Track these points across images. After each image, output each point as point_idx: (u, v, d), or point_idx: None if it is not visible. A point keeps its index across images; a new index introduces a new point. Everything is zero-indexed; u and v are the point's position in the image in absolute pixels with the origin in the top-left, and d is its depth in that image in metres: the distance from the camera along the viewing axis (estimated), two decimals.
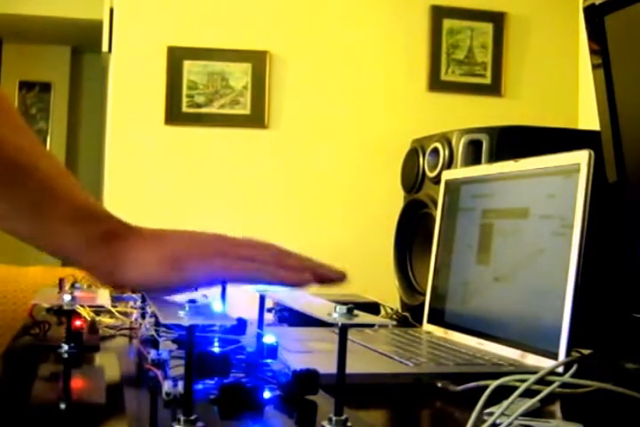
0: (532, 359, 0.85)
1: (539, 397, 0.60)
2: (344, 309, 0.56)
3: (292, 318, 1.17)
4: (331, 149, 2.86)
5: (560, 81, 2.97)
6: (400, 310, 1.35)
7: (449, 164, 1.30)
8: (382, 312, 1.31)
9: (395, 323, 1.09)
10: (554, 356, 0.82)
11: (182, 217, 2.68)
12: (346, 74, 2.89)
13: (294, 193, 2.85)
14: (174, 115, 2.77)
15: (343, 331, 0.56)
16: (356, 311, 0.57)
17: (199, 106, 2.79)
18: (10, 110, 0.67)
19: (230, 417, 0.63)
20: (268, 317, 1.07)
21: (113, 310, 1.07)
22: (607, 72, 0.89)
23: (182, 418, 0.53)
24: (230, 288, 0.88)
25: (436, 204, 1.23)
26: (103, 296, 0.92)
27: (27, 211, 0.62)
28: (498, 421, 0.56)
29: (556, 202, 0.89)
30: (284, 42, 2.86)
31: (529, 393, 0.60)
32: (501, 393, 0.60)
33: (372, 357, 0.87)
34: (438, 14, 2.93)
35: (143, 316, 0.93)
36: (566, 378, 0.69)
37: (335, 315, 0.56)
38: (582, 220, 0.83)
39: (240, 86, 2.81)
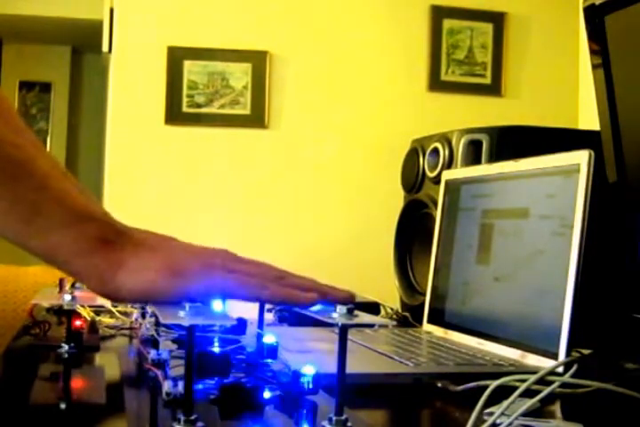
0: (532, 359, 0.85)
1: (539, 397, 0.60)
2: (344, 309, 0.56)
3: (291, 318, 1.17)
4: (331, 149, 2.86)
5: (560, 81, 2.97)
6: (400, 310, 1.35)
7: (449, 164, 1.30)
8: (382, 312, 1.31)
9: (395, 323, 1.08)
10: (554, 356, 0.82)
11: (182, 217, 2.68)
12: (346, 74, 2.89)
13: (294, 193, 2.85)
14: (174, 115, 2.77)
15: (343, 331, 0.56)
16: (356, 311, 0.57)
17: (199, 106, 2.79)
18: (9, 111, 0.67)
19: (230, 417, 0.63)
20: (268, 317, 1.07)
21: (113, 309, 1.07)
22: (607, 72, 0.89)
23: (182, 418, 0.53)
24: None
25: (435, 204, 1.23)
26: None
27: (23, 210, 0.59)
28: (498, 421, 0.56)
29: (556, 202, 0.89)
30: (284, 42, 2.86)
31: (529, 393, 0.60)
32: (501, 393, 0.60)
33: (372, 357, 0.87)
34: (438, 14, 2.93)
35: (143, 316, 0.93)
36: (566, 378, 0.69)
37: (335, 315, 0.56)
38: (582, 220, 0.83)
39: (240, 86, 2.81)
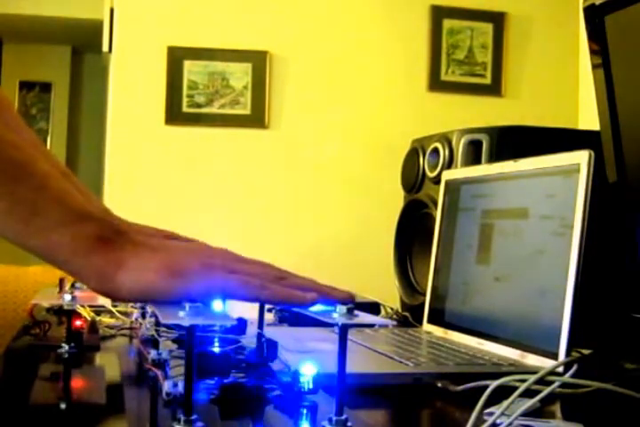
0: (532, 359, 0.85)
1: (539, 397, 0.60)
2: (344, 309, 0.56)
3: (291, 318, 1.17)
4: (331, 149, 2.86)
5: (560, 81, 2.97)
6: (400, 310, 1.35)
7: (449, 164, 1.30)
8: (382, 312, 1.31)
9: (395, 323, 1.09)
10: (554, 356, 0.82)
11: (182, 217, 2.68)
12: (346, 74, 2.89)
13: (294, 193, 2.85)
14: (174, 115, 2.77)
15: (343, 331, 0.56)
16: (356, 311, 0.57)
17: (199, 106, 2.79)
18: (9, 111, 0.67)
19: (230, 417, 0.63)
20: (268, 317, 1.07)
21: (113, 309, 1.07)
22: (607, 72, 0.89)
23: (182, 418, 0.53)
24: None
25: (435, 204, 1.23)
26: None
27: (23, 210, 0.59)
28: (498, 421, 0.56)
29: (556, 202, 0.89)
30: (284, 42, 2.86)
31: (529, 393, 0.60)
32: (501, 393, 0.60)
33: (372, 357, 0.87)
34: (438, 14, 2.93)
35: (143, 316, 0.93)
36: (566, 378, 0.69)
37: (335, 315, 0.56)
38: (582, 220, 0.83)
39: (240, 86, 2.81)
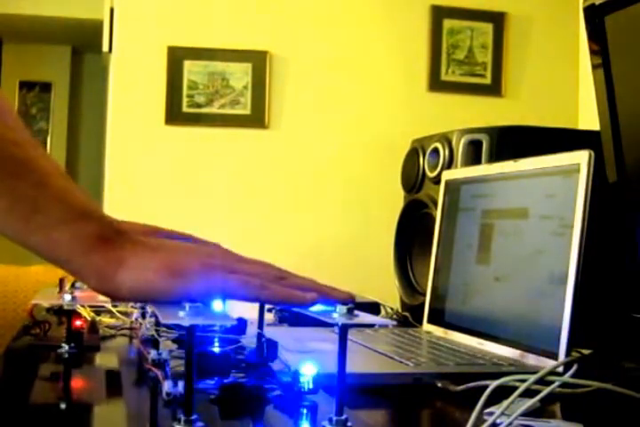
0: (532, 359, 0.85)
1: (539, 397, 0.60)
2: (344, 309, 0.56)
3: (292, 318, 1.17)
4: (331, 149, 2.86)
5: (560, 81, 2.97)
6: (400, 310, 1.35)
7: (449, 164, 1.30)
8: (382, 312, 1.31)
9: (395, 323, 1.09)
10: (554, 356, 0.82)
11: (182, 217, 2.68)
12: (346, 74, 2.89)
13: (294, 193, 2.85)
14: (174, 115, 2.76)
15: (343, 331, 0.56)
16: (356, 311, 0.57)
17: (199, 106, 2.79)
18: (9, 110, 0.67)
19: (230, 417, 0.63)
20: (268, 317, 1.07)
21: (113, 309, 1.07)
22: (607, 72, 0.89)
23: (182, 418, 0.53)
24: None
25: (436, 204, 1.23)
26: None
27: (23, 207, 0.59)
28: (498, 421, 0.56)
29: (556, 202, 0.89)
30: (284, 42, 2.85)
31: (529, 393, 0.60)
32: (501, 393, 0.60)
33: (372, 357, 0.87)
34: (438, 14, 2.93)
35: (143, 316, 0.93)
36: (566, 378, 0.69)
37: (335, 315, 0.56)
38: (582, 220, 0.83)
39: (240, 86, 2.81)
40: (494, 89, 2.97)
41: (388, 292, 1.43)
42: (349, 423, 0.56)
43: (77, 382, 0.77)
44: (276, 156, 2.84)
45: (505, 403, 0.58)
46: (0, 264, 2.01)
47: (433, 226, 1.17)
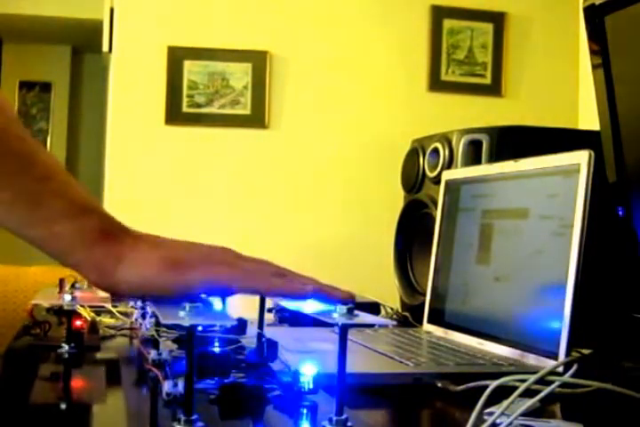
0: (532, 359, 0.85)
1: (539, 397, 0.60)
2: (344, 309, 0.56)
3: (292, 318, 1.17)
4: (331, 149, 2.86)
5: (560, 81, 2.97)
6: (400, 310, 1.35)
7: (449, 164, 1.30)
8: (382, 312, 1.31)
9: (395, 323, 1.09)
10: (554, 356, 0.82)
11: (182, 217, 2.68)
12: (346, 74, 2.89)
13: (294, 193, 2.85)
14: (174, 115, 2.76)
15: (343, 331, 0.56)
16: (356, 311, 0.57)
17: (199, 106, 2.79)
18: (10, 108, 0.68)
19: (230, 417, 0.63)
20: (268, 317, 1.07)
21: (113, 310, 1.07)
22: (607, 72, 0.89)
23: (182, 418, 0.53)
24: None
25: (436, 204, 1.23)
26: (103, 296, 0.92)
27: (27, 201, 0.60)
28: (498, 421, 0.56)
29: (556, 202, 0.89)
30: (284, 42, 2.85)
31: (529, 393, 0.60)
32: (501, 393, 0.60)
33: (372, 357, 0.87)
34: (438, 14, 2.93)
35: (143, 316, 0.93)
36: (566, 378, 0.69)
37: (335, 315, 0.56)
38: (582, 220, 0.83)
39: (240, 86, 2.81)
40: (494, 89, 2.97)
41: (388, 292, 1.43)
42: (349, 423, 0.56)
43: (77, 382, 0.77)
44: (276, 156, 2.84)
45: (505, 403, 0.58)
46: (0, 264, 2.01)
47: (433, 226, 1.17)
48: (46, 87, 4.79)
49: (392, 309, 1.33)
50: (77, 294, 0.84)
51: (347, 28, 2.90)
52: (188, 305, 0.55)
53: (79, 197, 0.62)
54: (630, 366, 0.86)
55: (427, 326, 1.12)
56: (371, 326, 1.07)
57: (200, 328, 0.76)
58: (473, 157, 1.27)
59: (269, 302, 1.12)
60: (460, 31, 2.96)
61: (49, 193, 0.61)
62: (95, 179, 3.81)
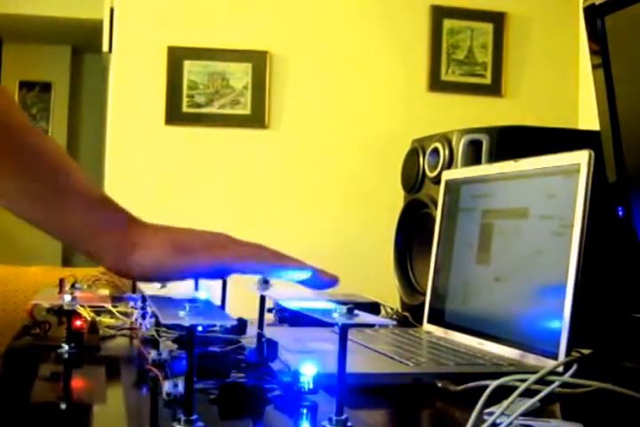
0: (532, 359, 0.85)
1: (538, 397, 0.60)
2: (344, 309, 0.56)
3: (292, 318, 1.17)
4: (331, 149, 2.86)
5: (560, 81, 2.97)
6: (400, 310, 1.35)
7: (449, 164, 1.30)
8: (382, 312, 1.31)
9: (395, 323, 1.09)
10: (554, 356, 0.82)
11: (182, 217, 2.67)
12: (346, 74, 2.89)
13: (294, 193, 2.85)
14: (174, 115, 2.76)
15: (343, 331, 0.56)
16: (356, 311, 0.57)
17: (199, 106, 2.79)
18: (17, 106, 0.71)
19: (230, 417, 0.63)
20: (268, 317, 1.07)
21: (113, 310, 1.07)
22: (607, 72, 0.89)
23: (182, 418, 0.53)
24: (231, 289, 0.88)
25: (436, 204, 1.23)
26: (104, 296, 0.92)
27: (51, 194, 0.66)
28: (498, 421, 0.56)
29: (556, 202, 0.89)
30: (284, 42, 2.85)
31: (529, 393, 0.60)
32: (501, 393, 0.60)
33: (372, 357, 0.87)
34: (438, 14, 2.93)
35: (143, 316, 0.93)
36: (566, 378, 0.69)
37: (335, 315, 0.56)
38: (582, 220, 0.83)
39: (240, 86, 2.81)
40: (494, 89, 2.97)
41: (388, 292, 1.43)
42: (349, 423, 0.56)
43: (77, 382, 0.77)
44: (275, 156, 2.84)
45: (505, 403, 0.58)
46: (0, 264, 2.01)
47: (433, 226, 1.17)
48: (46, 87, 4.79)
49: (392, 309, 1.33)
50: (77, 294, 0.84)
51: (347, 27, 2.90)
52: (187, 305, 0.55)
53: (95, 191, 0.70)
54: (630, 366, 0.86)
55: (427, 326, 1.12)
56: (371, 325, 1.07)
57: (200, 328, 0.77)
58: (473, 157, 1.27)
59: (269, 302, 1.12)
60: (460, 31, 2.96)
61: (70, 187, 0.67)
62: (95, 179, 3.81)
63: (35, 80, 4.76)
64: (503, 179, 1.02)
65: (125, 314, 1.07)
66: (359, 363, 0.80)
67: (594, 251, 0.85)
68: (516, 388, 0.60)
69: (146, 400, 0.69)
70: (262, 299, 0.80)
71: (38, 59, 4.71)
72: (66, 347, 0.84)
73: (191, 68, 2.78)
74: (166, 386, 0.62)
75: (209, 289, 0.81)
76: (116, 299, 1.08)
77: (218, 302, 0.89)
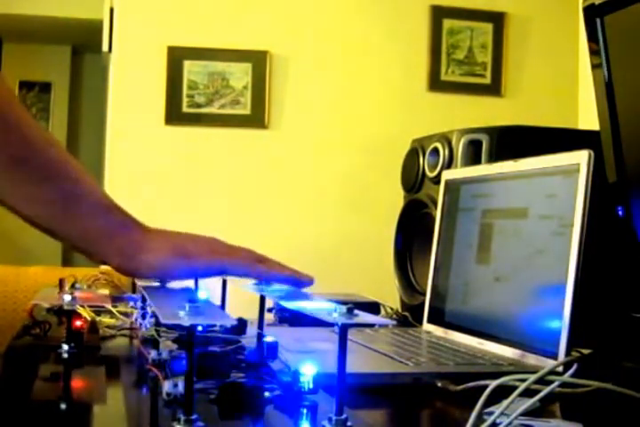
0: (531, 359, 0.85)
1: (538, 396, 0.60)
2: (344, 308, 0.56)
3: (292, 318, 1.17)
4: (331, 149, 2.86)
5: (560, 81, 2.97)
6: (400, 310, 1.35)
7: (449, 164, 1.30)
8: (382, 312, 1.31)
9: (395, 323, 1.09)
10: (554, 356, 0.82)
11: (182, 217, 2.68)
12: (346, 74, 2.89)
13: (294, 193, 2.85)
14: (174, 115, 2.76)
15: (343, 331, 0.56)
16: (356, 311, 0.57)
17: (199, 106, 2.79)
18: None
19: (230, 417, 0.63)
20: (268, 317, 1.07)
21: (113, 310, 1.07)
22: (607, 72, 0.89)
23: (182, 418, 0.53)
24: (230, 289, 0.88)
25: (435, 204, 1.23)
26: (104, 296, 0.92)
27: (65, 201, 0.71)
28: (498, 420, 0.56)
29: (556, 202, 0.89)
30: (284, 42, 2.85)
31: (529, 393, 0.60)
32: (501, 393, 0.60)
33: (372, 357, 0.87)
34: (438, 14, 2.93)
35: (143, 316, 0.93)
36: (566, 378, 0.69)
37: (335, 315, 0.56)
38: (582, 220, 0.83)
39: (240, 86, 2.81)
40: (494, 89, 2.97)
41: (388, 292, 1.43)
42: (349, 423, 0.56)
43: (77, 382, 0.77)
44: (275, 156, 2.84)
45: (505, 403, 0.58)
46: (0, 264, 2.01)
47: (433, 226, 1.17)
48: (46, 87, 4.78)
49: (392, 309, 1.33)
50: (77, 294, 0.84)
51: (346, 28, 2.90)
52: (187, 305, 0.55)
53: (104, 197, 0.75)
54: (630, 366, 0.86)
55: (427, 326, 1.12)
56: (371, 325, 1.07)
57: (200, 328, 0.77)
58: (473, 156, 1.27)
59: (269, 302, 1.12)
60: (460, 31, 2.96)
61: (82, 193, 0.73)
62: (95, 179, 3.80)
63: (35, 80, 4.76)
64: (503, 179, 1.02)
65: (125, 314, 1.07)
66: (359, 363, 0.80)
67: (594, 251, 0.85)
68: (515, 388, 0.60)
69: (146, 400, 0.69)
70: (262, 299, 0.80)
71: (38, 59, 4.71)
72: (66, 347, 0.84)
73: (191, 68, 2.78)
74: (166, 386, 0.62)
75: (209, 289, 0.81)
76: (116, 299, 1.08)
77: (218, 302, 0.89)
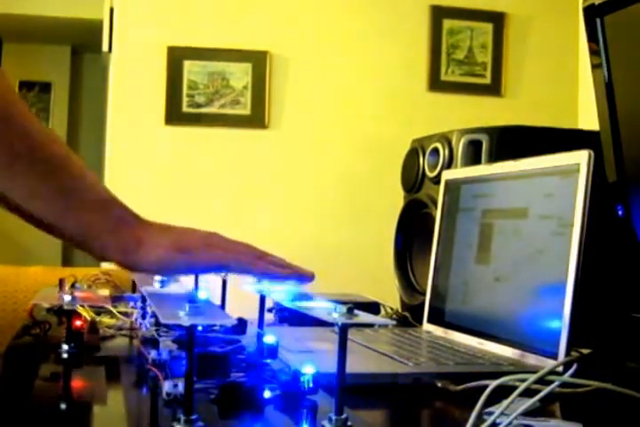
0: (531, 359, 0.85)
1: (538, 396, 0.60)
2: (344, 308, 0.56)
3: (292, 318, 1.17)
4: (331, 149, 2.86)
5: (560, 81, 2.97)
6: (400, 310, 1.35)
7: (449, 164, 1.30)
8: (382, 312, 1.31)
9: (395, 323, 1.09)
10: (554, 356, 0.82)
11: (182, 217, 2.66)
12: (346, 74, 2.89)
13: (294, 193, 2.85)
14: (174, 115, 2.76)
15: (343, 331, 0.56)
16: (356, 311, 0.57)
17: (199, 106, 2.79)
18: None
19: (230, 417, 0.63)
20: (268, 317, 1.07)
21: (113, 310, 1.07)
22: (607, 72, 0.89)
23: (182, 418, 0.53)
24: (231, 289, 0.88)
25: (435, 204, 1.23)
26: (103, 296, 0.92)
27: (67, 196, 0.71)
28: (498, 420, 0.56)
29: (556, 202, 0.89)
30: (284, 42, 2.85)
31: (529, 393, 0.60)
32: (501, 393, 0.60)
33: (372, 357, 0.87)
34: (438, 14, 2.93)
35: (143, 316, 0.93)
36: (566, 378, 0.69)
37: (335, 315, 0.56)
38: (582, 220, 0.83)
39: (240, 86, 2.81)
40: (494, 89, 2.97)
41: (388, 292, 1.43)
42: (349, 423, 0.56)
43: (77, 382, 0.77)
44: (275, 156, 2.84)
45: (505, 403, 0.58)
46: (0, 264, 2.01)
47: (433, 226, 1.17)
48: (46, 87, 4.78)
49: (392, 309, 1.33)
50: (77, 293, 0.84)
51: (346, 28, 2.90)
52: (187, 305, 0.55)
53: (105, 192, 0.75)
54: (630, 366, 0.86)
55: (427, 326, 1.12)
56: (371, 325, 1.07)
57: (200, 328, 0.77)
58: (473, 157, 1.27)
59: (269, 302, 1.12)
60: (460, 31, 2.96)
61: (83, 189, 0.73)
62: (96, 174, 3.80)
63: (34, 80, 4.76)
64: (503, 179, 1.02)
65: (125, 314, 1.07)
66: (359, 363, 0.80)
67: (593, 251, 0.85)
68: (515, 388, 0.60)
69: (146, 400, 0.69)
70: (262, 299, 0.80)
71: (38, 59, 4.71)
72: (66, 347, 0.84)
73: (191, 68, 2.78)
74: (166, 386, 0.62)
75: (209, 289, 0.82)
76: (115, 299, 1.08)
77: (218, 301, 0.89)
